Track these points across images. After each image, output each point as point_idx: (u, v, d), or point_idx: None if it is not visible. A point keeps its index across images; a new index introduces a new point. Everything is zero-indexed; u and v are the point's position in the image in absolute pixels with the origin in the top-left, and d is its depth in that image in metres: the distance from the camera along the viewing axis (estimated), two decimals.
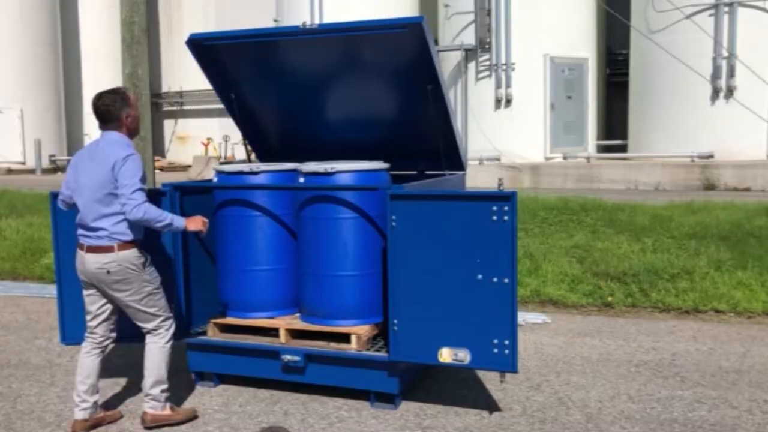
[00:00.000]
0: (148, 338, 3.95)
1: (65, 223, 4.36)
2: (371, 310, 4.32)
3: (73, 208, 3.94)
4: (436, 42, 16.80)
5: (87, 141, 24.85)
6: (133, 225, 3.76)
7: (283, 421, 4.00)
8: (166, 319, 3.97)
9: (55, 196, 4.39)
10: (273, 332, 4.42)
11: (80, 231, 3.84)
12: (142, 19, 9.91)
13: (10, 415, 4.18)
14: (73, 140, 24.66)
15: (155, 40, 26.03)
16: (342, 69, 4.66)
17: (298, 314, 4.55)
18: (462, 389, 4.46)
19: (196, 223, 3.93)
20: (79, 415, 3.89)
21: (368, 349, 4.22)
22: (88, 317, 3.94)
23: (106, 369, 4.92)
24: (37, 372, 4.95)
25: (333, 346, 4.25)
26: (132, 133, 3.91)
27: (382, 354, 4.13)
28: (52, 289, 6.21)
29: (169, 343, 3.97)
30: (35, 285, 7.97)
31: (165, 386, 3.94)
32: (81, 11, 25.09)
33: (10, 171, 21.46)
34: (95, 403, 3.95)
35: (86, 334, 3.97)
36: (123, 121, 3.83)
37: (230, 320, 4.51)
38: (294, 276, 4.51)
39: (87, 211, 3.78)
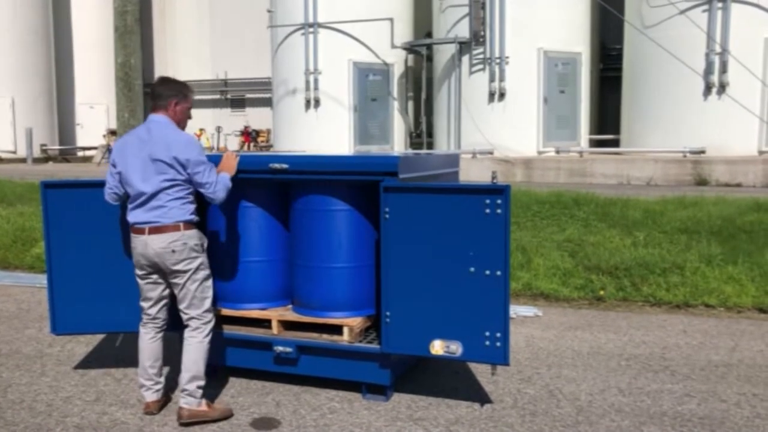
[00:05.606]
0: (188, 332, 3.92)
1: (56, 212, 4.36)
2: (364, 301, 4.33)
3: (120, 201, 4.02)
4: (429, 35, 16.88)
5: (79, 131, 24.80)
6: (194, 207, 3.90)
7: (275, 412, 4.00)
8: (209, 311, 3.98)
9: (46, 185, 4.38)
10: (265, 323, 4.42)
11: (138, 216, 3.82)
12: (135, 9, 9.87)
13: (1, 404, 4.16)
14: (65, 130, 24.54)
15: (148, 29, 25.88)
16: None
17: (290, 306, 4.55)
18: (453, 381, 4.47)
19: (231, 165, 4.10)
20: (154, 396, 3.99)
21: (360, 341, 4.22)
22: (148, 304, 3.98)
23: (99, 360, 4.93)
24: (28, 362, 4.93)
25: (325, 338, 4.25)
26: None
27: (375, 346, 4.13)
28: (42, 279, 6.17)
29: (208, 338, 3.94)
30: (26, 274, 7.94)
31: (202, 382, 3.87)
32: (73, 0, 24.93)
33: (0, 160, 21.35)
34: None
35: (145, 321, 4.01)
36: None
37: (223, 311, 4.50)
38: (287, 267, 4.52)
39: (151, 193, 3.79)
